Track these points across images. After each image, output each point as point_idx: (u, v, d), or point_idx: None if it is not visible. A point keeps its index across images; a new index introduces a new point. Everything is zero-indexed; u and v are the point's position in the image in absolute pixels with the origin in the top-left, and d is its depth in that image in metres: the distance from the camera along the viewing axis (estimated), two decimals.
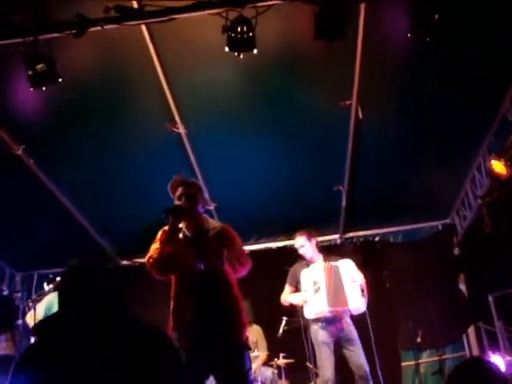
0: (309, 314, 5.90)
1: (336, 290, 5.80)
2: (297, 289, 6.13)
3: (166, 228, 3.76)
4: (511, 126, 5.86)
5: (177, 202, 3.86)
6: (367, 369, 5.77)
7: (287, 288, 6.22)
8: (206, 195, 3.90)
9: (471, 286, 7.94)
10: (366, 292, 5.93)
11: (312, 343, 6.03)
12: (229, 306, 3.76)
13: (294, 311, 6.43)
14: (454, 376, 3.05)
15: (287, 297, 6.17)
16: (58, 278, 5.66)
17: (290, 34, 4.95)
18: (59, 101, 5.33)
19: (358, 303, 5.83)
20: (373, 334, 6.23)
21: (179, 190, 3.92)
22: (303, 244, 6.09)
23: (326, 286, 5.81)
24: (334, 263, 6.00)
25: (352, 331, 5.86)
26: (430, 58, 5.22)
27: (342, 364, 5.92)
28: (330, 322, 5.84)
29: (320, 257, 6.15)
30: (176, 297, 3.82)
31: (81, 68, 5.08)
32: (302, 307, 6.03)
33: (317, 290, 5.82)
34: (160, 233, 3.80)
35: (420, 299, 7.51)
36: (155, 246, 3.76)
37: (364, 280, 5.97)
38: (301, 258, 6.21)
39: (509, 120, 5.89)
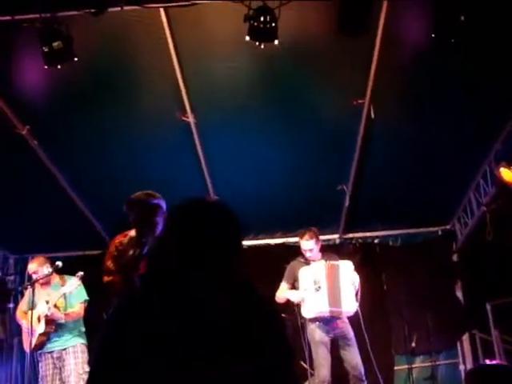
0: (308, 313, 5.84)
1: (336, 291, 5.76)
2: (293, 286, 6.05)
3: None
4: None
5: None
6: (362, 369, 5.77)
7: (283, 285, 6.13)
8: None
9: (468, 293, 7.93)
10: (359, 296, 5.88)
11: (309, 342, 5.98)
12: None
13: (292, 309, 6.39)
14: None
15: (284, 293, 6.07)
16: (59, 263, 5.55)
17: (309, 29, 4.88)
18: (68, 82, 5.23)
19: (350, 306, 5.79)
20: (368, 336, 6.20)
21: None
22: (312, 248, 5.92)
23: (327, 286, 5.75)
24: (335, 262, 5.95)
25: (349, 330, 5.85)
26: (446, 62, 5.18)
27: (337, 363, 5.90)
28: (328, 321, 5.81)
29: (319, 256, 6.07)
30: None
31: (94, 49, 4.99)
32: (297, 305, 5.97)
33: (317, 290, 5.76)
34: None
35: (416, 304, 7.48)
36: None
37: (359, 283, 5.92)
38: (300, 255, 6.12)
39: None
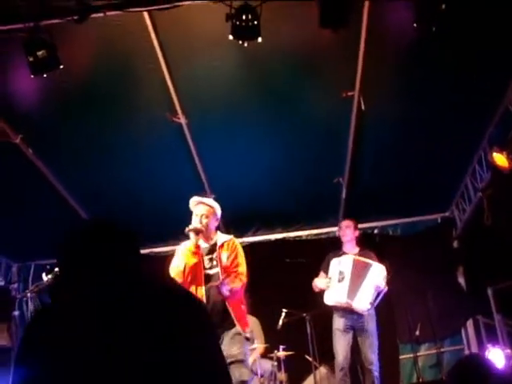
0: (328, 300, 6.01)
1: (356, 285, 5.89)
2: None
3: (189, 244, 4.48)
4: None
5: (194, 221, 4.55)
6: (373, 364, 5.87)
7: (320, 274, 6.31)
8: (219, 214, 4.71)
9: (470, 279, 7.94)
10: (377, 301, 5.97)
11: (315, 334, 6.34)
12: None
13: (294, 304, 6.48)
14: (453, 373, 3.06)
15: (316, 280, 6.24)
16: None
17: (294, 24, 4.87)
18: (58, 89, 5.26)
19: (362, 305, 5.85)
20: None
21: (198, 209, 4.61)
22: (349, 225, 6.27)
23: (350, 279, 5.90)
24: (367, 260, 6.04)
25: (368, 323, 5.96)
26: (434, 48, 5.16)
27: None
28: (348, 311, 5.96)
29: (355, 250, 6.26)
30: None
31: (81, 56, 5.01)
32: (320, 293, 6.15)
33: (340, 280, 5.95)
34: (182, 247, 4.55)
35: (419, 292, 7.48)
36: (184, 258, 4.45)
37: (385, 290, 6.00)
38: (339, 246, 6.38)
39: (511, 112, 5.85)
